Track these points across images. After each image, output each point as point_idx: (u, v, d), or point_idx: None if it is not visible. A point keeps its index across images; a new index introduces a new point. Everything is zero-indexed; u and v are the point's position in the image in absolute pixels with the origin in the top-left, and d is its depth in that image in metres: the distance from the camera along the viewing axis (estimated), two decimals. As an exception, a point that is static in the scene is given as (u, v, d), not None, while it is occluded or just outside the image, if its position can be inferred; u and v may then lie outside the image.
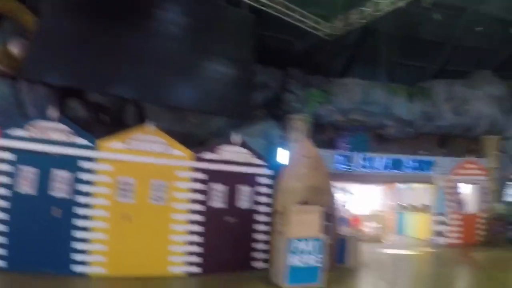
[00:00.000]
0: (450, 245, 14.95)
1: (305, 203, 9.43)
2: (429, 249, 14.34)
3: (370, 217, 17.05)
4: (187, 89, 11.47)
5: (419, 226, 17.40)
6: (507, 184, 16.76)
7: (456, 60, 15.43)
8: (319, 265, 8.48)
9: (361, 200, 19.65)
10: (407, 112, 13.35)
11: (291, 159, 10.23)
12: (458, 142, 16.00)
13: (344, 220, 16.11)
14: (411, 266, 11.21)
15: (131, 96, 11.45)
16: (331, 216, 10.06)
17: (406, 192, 19.26)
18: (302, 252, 8.40)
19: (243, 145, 10.01)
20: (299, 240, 8.39)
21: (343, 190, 19.47)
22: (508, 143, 16.36)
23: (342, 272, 10.12)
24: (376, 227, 16.23)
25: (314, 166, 9.84)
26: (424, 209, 17.19)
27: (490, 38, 14.86)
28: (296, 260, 8.36)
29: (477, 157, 15.78)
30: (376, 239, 15.72)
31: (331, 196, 10.08)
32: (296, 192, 9.57)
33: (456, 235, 15.22)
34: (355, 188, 19.28)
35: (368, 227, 16.55)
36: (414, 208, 18.13)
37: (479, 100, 14.89)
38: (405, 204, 19.08)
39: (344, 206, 18.73)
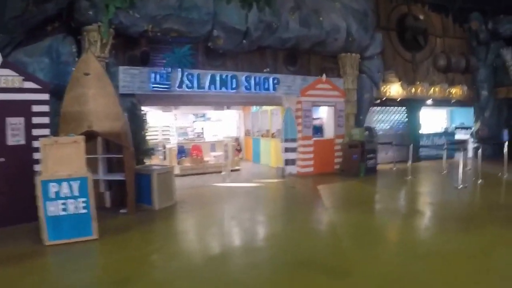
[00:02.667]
0: (302, 175, 14.25)
1: (89, 131, 8.22)
2: (276, 180, 13.48)
3: (217, 145, 15.82)
4: None
5: (272, 153, 16.55)
6: (368, 107, 16.12)
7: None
8: (87, 211, 6.91)
9: (217, 126, 18.70)
10: (240, 21, 11.67)
11: (71, 78, 8.52)
12: (311, 59, 14.83)
13: (183, 151, 14.87)
14: (235, 205, 10.09)
15: None
16: (123, 147, 8.55)
17: (260, 115, 18.29)
18: (62, 196, 6.80)
19: (11, 67, 7.95)
20: (57, 181, 6.75)
21: (199, 115, 18.30)
22: (368, 62, 15.59)
23: (143, 216, 8.79)
24: (222, 156, 15.03)
25: (98, 86, 8.37)
26: (277, 134, 16.30)
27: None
28: (56, 208, 6.77)
29: (333, 77, 14.81)
30: (220, 170, 14.55)
31: (122, 122, 8.46)
32: (77, 119, 8.27)
33: (308, 163, 14.49)
34: (213, 113, 18.27)
35: (212, 157, 15.39)
36: (268, 134, 17.21)
37: (333, 12, 13.66)
38: (259, 130, 18.22)
39: (199, 134, 17.58)
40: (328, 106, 15.12)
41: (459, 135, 19.51)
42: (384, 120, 17.91)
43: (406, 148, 15.09)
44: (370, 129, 15.27)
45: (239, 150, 19.00)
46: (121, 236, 7.32)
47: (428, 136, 18.72)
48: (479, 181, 12.38)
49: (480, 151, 13.72)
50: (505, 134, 15.20)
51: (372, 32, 15.06)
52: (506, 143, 14.24)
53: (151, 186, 9.20)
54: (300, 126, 14.25)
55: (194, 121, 18.43)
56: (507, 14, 18.08)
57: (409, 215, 9.01)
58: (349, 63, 15.02)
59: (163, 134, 17.13)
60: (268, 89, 13.28)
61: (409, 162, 14.06)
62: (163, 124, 17.21)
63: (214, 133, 18.21)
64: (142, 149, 10.86)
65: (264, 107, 17.40)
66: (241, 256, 6.45)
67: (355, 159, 14.26)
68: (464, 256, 6.07)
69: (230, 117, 19.71)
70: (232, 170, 14.74)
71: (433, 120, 20.45)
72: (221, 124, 19.20)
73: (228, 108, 17.80)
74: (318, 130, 15.34)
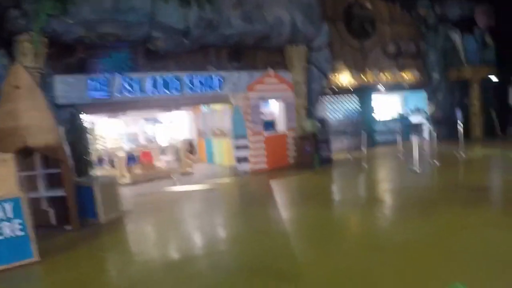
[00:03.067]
0: (256, 171, 14.20)
1: (24, 147, 7.94)
2: (229, 179, 13.41)
3: (167, 149, 15.61)
4: None
5: (225, 152, 16.46)
6: (318, 98, 16.25)
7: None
8: (24, 233, 6.68)
9: (169, 129, 18.39)
10: (179, 20, 11.55)
11: (2, 93, 8.26)
12: (256, 54, 14.85)
13: (133, 158, 14.64)
14: (185, 210, 10.09)
15: None
16: (60, 161, 8.33)
17: (210, 115, 18.19)
18: (-6, 220, 6.59)
19: None
20: (-14, 204, 6.55)
21: (150, 120, 17.95)
22: (316, 53, 15.71)
23: (88, 231, 8.54)
24: (173, 160, 14.88)
25: (29, 99, 8.10)
26: (228, 133, 16.23)
27: None
28: (-12, 234, 6.59)
29: (281, 70, 14.82)
30: (171, 174, 14.41)
31: (56, 135, 8.27)
32: (11, 135, 7.94)
33: (261, 159, 14.47)
34: (163, 117, 17.96)
35: (163, 161, 15.20)
36: (220, 133, 17.11)
37: (277, 6, 13.68)
38: (211, 129, 18.10)
39: (151, 139, 17.28)
40: (277, 100, 15.14)
41: (414, 118, 19.87)
42: (337, 110, 18.10)
43: (360, 135, 15.28)
44: (321, 120, 15.39)
45: (192, 152, 18.80)
46: (65, 255, 7.10)
47: (384, 122, 19.01)
48: (436, 163, 12.64)
49: (435, 132, 13.99)
50: (458, 113, 15.55)
51: (318, 23, 15.14)
52: (461, 123, 14.58)
53: (94, 198, 8.98)
54: (249, 123, 14.20)
55: (145, 126, 18.09)
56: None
57: (365, 205, 9.12)
58: (296, 55, 15.10)
59: (113, 142, 16.71)
60: (213, 87, 13.22)
61: (364, 149, 14.25)
62: (113, 132, 16.81)
63: (166, 137, 17.94)
64: (84, 160, 10.65)
65: (214, 106, 17.27)
66: (188, 265, 6.35)
67: (308, 151, 14.32)
68: (422, 244, 6.14)
69: (181, 119, 19.42)
70: (184, 173, 14.64)
71: (387, 106, 20.75)
72: (173, 127, 18.91)
73: (177, 109, 17.50)
74: (270, 125, 15.31)
